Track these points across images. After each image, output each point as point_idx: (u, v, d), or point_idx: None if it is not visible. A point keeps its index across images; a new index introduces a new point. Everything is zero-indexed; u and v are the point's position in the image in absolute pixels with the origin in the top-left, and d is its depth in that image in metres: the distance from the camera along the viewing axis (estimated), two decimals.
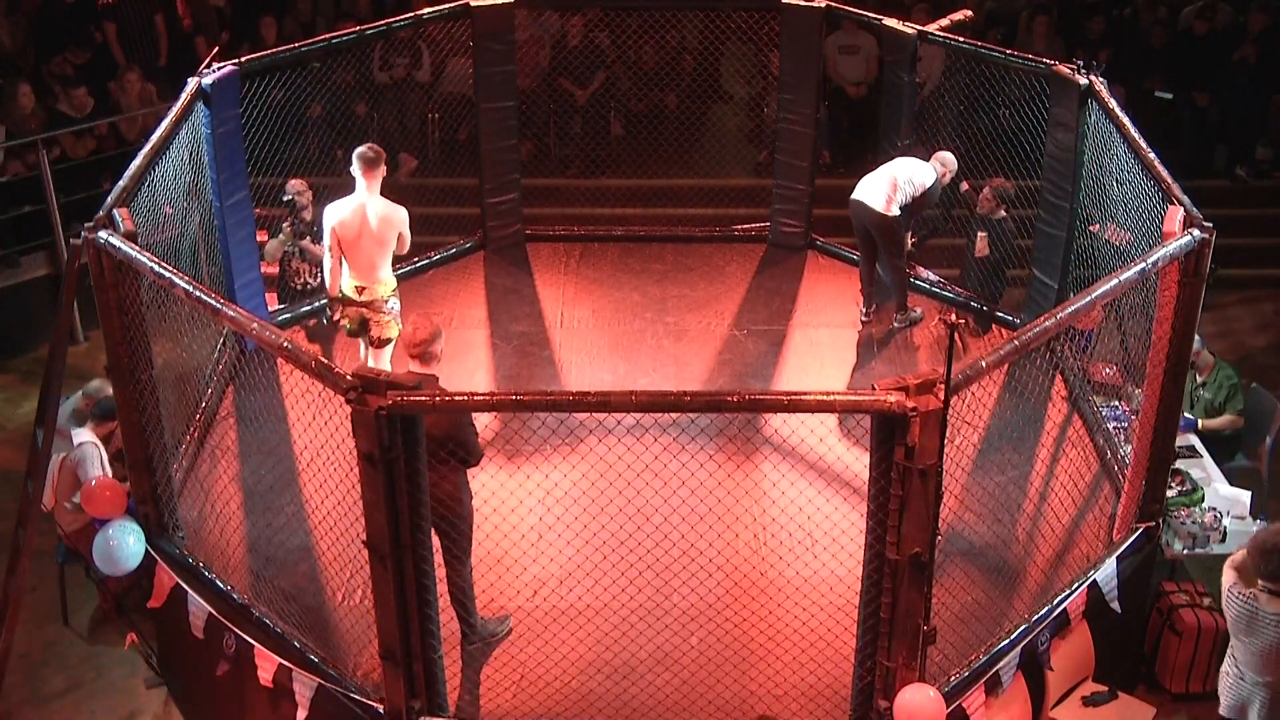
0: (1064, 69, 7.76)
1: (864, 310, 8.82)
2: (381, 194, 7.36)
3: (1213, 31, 11.39)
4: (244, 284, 8.09)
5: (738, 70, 11.03)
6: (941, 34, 8.63)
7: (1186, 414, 7.80)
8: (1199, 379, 8.20)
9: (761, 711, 5.87)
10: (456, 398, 5.28)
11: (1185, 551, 7.01)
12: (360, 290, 7.38)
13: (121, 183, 6.41)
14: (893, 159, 8.58)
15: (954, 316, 5.02)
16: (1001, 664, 6.07)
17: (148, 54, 11.44)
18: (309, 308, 8.83)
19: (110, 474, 7.25)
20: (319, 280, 8.57)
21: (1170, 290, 6.17)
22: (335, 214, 7.29)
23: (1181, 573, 7.28)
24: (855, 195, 8.47)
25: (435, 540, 5.52)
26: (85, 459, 7.32)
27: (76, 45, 10.85)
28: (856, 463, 5.74)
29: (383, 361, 7.56)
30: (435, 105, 10.84)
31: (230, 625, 6.26)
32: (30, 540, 6.82)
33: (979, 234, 8.74)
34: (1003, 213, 8.72)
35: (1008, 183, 8.71)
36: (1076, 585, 6.43)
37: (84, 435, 7.41)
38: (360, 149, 7.31)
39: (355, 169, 7.30)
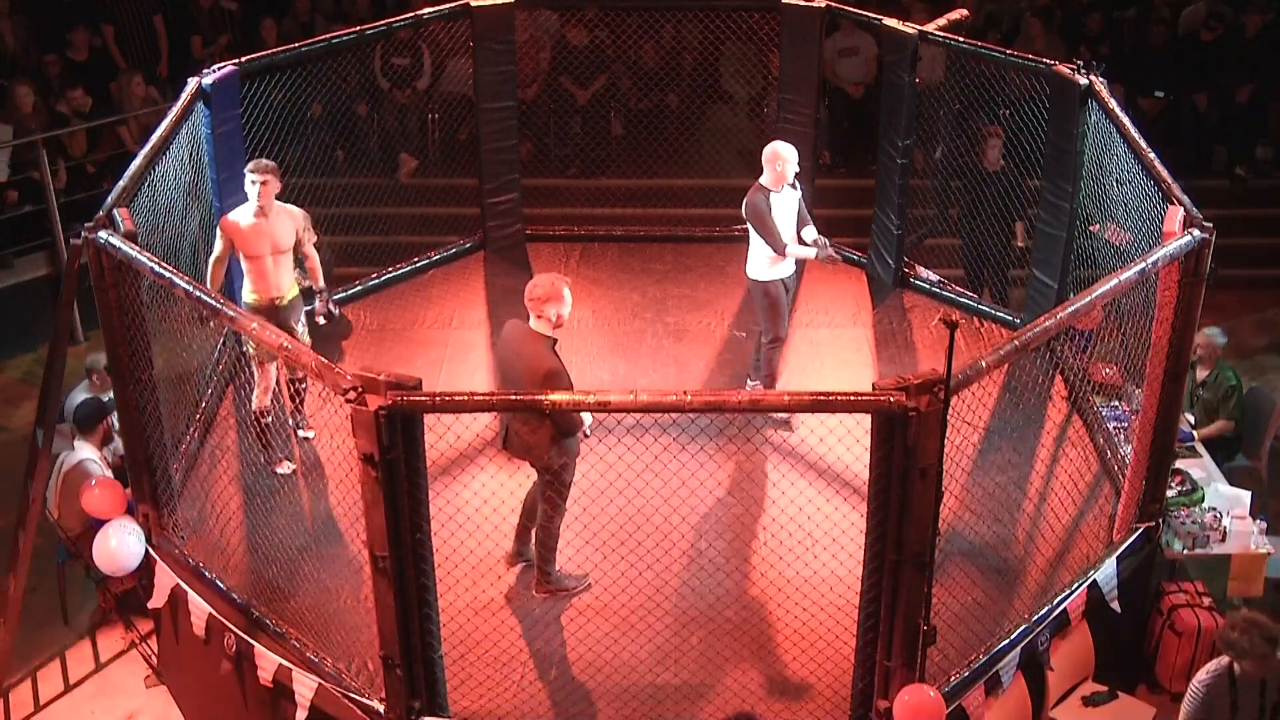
0: (1064, 69, 7.76)
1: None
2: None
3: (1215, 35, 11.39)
4: None
5: (738, 70, 11.02)
6: (941, 34, 8.63)
7: (1187, 415, 7.80)
8: (1200, 375, 8.20)
9: (760, 710, 5.87)
10: (456, 398, 5.28)
11: (1185, 551, 7.01)
12: None
13: (121, 183, 6.40)
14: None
15: (955, 316, 5.01)
16: (1001, 664, 6.07)
17: (147, 56, 11.42)
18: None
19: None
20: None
21: (1170, 290, 6.17)
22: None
23: (1181, 573, 7.27)
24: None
25: (435, 542, 5.51)
26: (88, 475, 7.28)
27: (72, 42, 10.83)
28: (856, 463, 5.73)
29: None
30: (435, 105, 10.83)
31: (230, 625, 6.27)
32: (30, 540, 6.83)
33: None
34: (1001, 162, 8.90)
35: (993, 126, 8.93)
36: (1076, 585, 6.43)
37: (83, 452, 7.35)
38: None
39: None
